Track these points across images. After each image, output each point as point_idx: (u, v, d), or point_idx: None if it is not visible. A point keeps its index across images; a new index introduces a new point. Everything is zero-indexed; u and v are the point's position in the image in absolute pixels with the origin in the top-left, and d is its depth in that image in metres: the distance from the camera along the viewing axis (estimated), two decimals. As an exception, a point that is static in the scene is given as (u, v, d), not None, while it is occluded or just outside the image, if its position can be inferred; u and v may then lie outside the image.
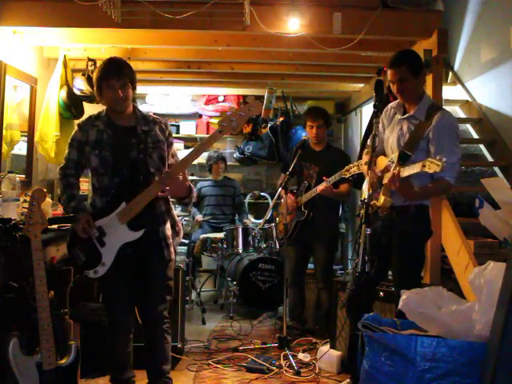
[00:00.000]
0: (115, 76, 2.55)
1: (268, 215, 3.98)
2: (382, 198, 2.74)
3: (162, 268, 2.71)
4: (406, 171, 2.56)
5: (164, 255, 2.68)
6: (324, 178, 3.82)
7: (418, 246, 2.88)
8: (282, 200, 4.03)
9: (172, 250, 2.74)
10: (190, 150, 2.69)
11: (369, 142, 2.68)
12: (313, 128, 4.07)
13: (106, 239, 2.55)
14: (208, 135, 2.64)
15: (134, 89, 2.65)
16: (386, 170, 2.78)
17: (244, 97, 6.67)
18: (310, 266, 4.43)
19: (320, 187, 3.83)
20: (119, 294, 2.65)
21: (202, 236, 5.24)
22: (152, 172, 2.61)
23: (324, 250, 4.07)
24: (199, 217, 5.57)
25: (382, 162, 2.86)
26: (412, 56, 2.86)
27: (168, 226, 2.73)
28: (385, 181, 2.74)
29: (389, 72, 2.81)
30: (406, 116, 2.83)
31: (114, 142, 2.60)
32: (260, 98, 6.10)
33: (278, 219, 4.44)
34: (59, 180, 2.70)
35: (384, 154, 3.00)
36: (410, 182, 2.61)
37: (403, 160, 2.70)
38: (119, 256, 2.55)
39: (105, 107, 2.70)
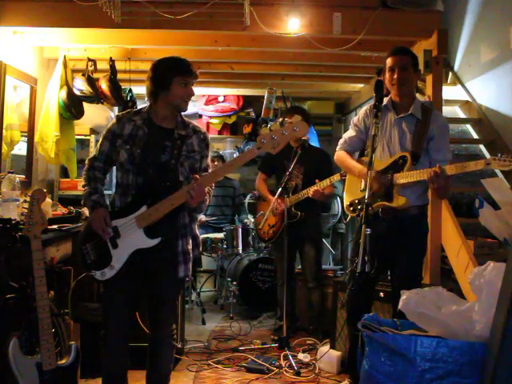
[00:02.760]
0: (193, 75, 2.48)
1: (267, 215, 3.98)
2: (401, 199, 2.73)
3: (175, 285, 2.61)
4: (456, 169, 2.53)
5: (178, 272, 2.53)
6: (316, 180, 3.83)
7: (424, 245, 2.95)
8: (276, 206, 4.02)
9: (190, 265, 2.59)
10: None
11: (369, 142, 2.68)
12: None
13: (119, 241, 2.43)
14: (245, 151, 2.48)
15: None
16: (392, 170, 2.77)
17: (244, 97, 6.68)
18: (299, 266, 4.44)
19: (312, 191, 3.83)
20: (119, 303, 2.50)
21: (202, 236, 5.23)
22: (181, 181, 2.50)
23: (313, 249, 4.10)
24: (202, 217, 5.57)
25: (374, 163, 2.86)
26: (413, 53, 2.90)
27: (189, 240, 2.60)
28: (401, 180, 2.72)
29: (390, 59, 2.80)
30: (403, 115, 2.83)
31: (147, 140, 2.49)
32: (260, 97, 6.12)
33: (259, 219, 4.29)
34: (85, 170, 2.57)
35: (360, 154, 3.05)
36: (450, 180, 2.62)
37: (416, 160, 2.73)
38: (129, 262, 2.44)
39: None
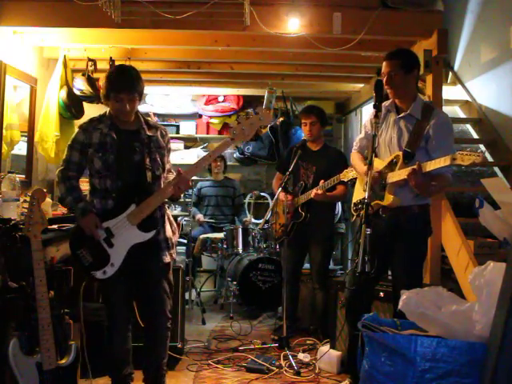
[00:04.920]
0: (126, 91, 2.58)
1: (268, 215, 3.97)
2: (389, 198, 2.73)
3: (164, 271, 2.77)
4: (429, 166, 2.55)
5: (163, 258, 2.72)
6: (321, 181, 3.82)
7: (424, 246, 2.92)
8: (281, 200, 4.03)
9: (174, 250, 2.81)
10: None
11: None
12: (306, 125, 4.07)
13: (114, 240, 2.59)
14: (221, 143, 2.71)
15: (140, 99, 2.70)
16: (389, 169, 2.77)
17: (244, 97, 6.68)
18: (306, 265, 4.43)
19: (314, 193, 3.83)
20: (119, 294, 2.69)
21: (202, 236, 5.24)
22: (157, 175, 2.69)
23: (320, 251, 4.06)
24: (200, 216, 5.58)
25: (377, 162, 2.85)
26: (407, 54, 2.91)
27: (169, 227, 2.79)
28: (390, 179, 2.73)
29: (383, 64, 2.85)
30: (402, 115, 2.84)
31: (117, 145, 2.64)
32: (260, 97, 6.12)
33: (272, 219, 4.37)
34: (59, 182, 2.68)
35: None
36: (429, 178, 2.62)
37: (408, 159, 2.73)
38: (127, 257, 2.60)
39: (107, 109, 2.74)
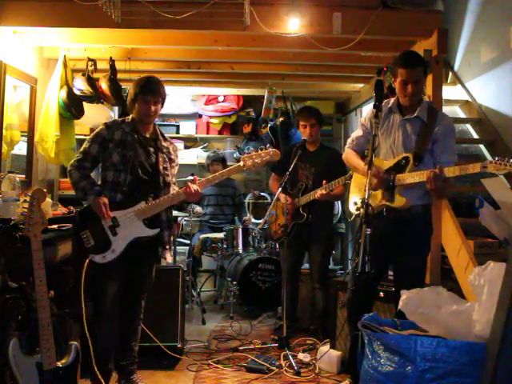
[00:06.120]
0: (151, 93, 2.89)
1: (268, 215, 3.97)
2: (402, 200, 2.73)
3: (153, 268, 3.05)
4: (456, 171, 2.52)
5: (159, 257, 3.01)
6: (324, 181, 3.82)
7: (428, 245, 2.95)
8: (281, 201, 4.02)
9: (171, 251, 3.09)
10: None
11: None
12: (306, 127, 4.07)
13: (118, 230, 2.78)
14: (233, 166, 3.13)
15: (162, 106, 3.02)
16: (396, 170, 2.76)
17: (244, 97, 6.68)
18: (306, 265, 4.43)
19: (319, 193, 3.83)
20: (113, 281, 2.82)
21: (202, 236, 5.24)
22: (167, 182, 2.96)
23: (319, 251, 4.07)
24: (199, 208, 5.55)
25: (378, 162, 2.85)
26: (423, 58, 2.90)
27: (171, 231, 3.06)
28: (404, 181, 2.71)
29: (404, 71, 2.75)
30: (409, 117, 2.83)
31: (136, 145, 2.89)
32: (260, 97, 6.12)
33: (270, 219, 4.34)
34: (74, 170, 2.82)
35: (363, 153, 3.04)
36: (447, 182, 2.60)
37: (418, 161, 2.73)
38: (127, 247, 2.78)
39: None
